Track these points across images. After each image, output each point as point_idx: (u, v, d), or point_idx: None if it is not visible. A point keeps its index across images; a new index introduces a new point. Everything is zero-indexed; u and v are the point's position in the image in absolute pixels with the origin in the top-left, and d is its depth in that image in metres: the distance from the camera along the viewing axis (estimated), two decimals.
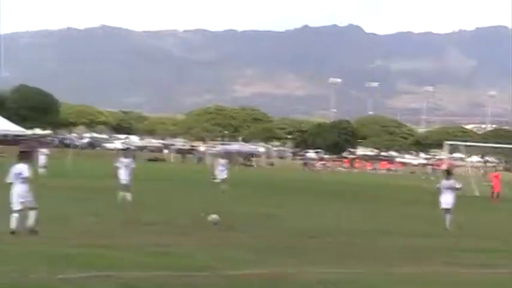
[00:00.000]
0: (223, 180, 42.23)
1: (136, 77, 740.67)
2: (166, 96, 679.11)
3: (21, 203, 18.80)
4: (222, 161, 44.61)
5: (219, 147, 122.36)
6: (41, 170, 45.31)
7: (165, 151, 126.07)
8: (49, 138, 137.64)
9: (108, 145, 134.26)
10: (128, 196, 30.37)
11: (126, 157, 32.59)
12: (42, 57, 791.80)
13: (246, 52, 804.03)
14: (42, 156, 46.77)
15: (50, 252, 16.18)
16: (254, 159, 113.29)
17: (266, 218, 28.00)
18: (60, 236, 19.35)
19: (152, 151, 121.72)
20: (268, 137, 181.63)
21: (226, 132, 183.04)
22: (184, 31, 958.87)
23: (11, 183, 18.99)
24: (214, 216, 24.17)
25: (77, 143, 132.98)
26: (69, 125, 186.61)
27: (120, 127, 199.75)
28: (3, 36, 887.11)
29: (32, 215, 18.92)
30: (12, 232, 18.56)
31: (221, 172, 43.03)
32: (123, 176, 31.29)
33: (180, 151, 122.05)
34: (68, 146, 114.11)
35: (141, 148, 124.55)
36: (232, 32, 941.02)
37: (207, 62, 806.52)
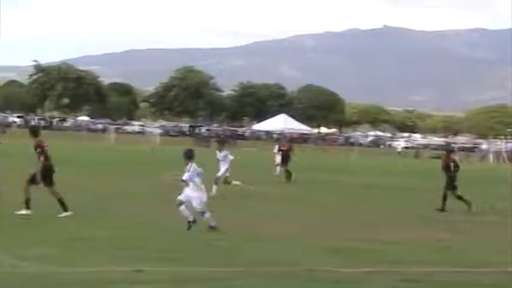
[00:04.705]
0: None
1: (420, 76, 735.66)
2: (449, 94, 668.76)
3: None
4: None
5: (503, 145, 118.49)
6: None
7: None
8: (334, 136, 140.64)
9: (393, 143, 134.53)
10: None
11: None
12: (327, 57, 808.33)
13: None
14: None
15: (334, 245, 16.52)
16: None
17: None
18: (344, 230, 19.74)
19: (435, 149, 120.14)
20: None
21: (509, 130, 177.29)
22: (466, 30, 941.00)
23: None
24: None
25: (361, 141, 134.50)
26: (354, 123, 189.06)
27: (404, 125, 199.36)
28: (289, 39, 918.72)
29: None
30: None
31: None
32: None
33: (462, 149, 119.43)
34: (352, 144, 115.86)
35: (425, 146, 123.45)
36: None
37: (488, 60, 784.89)
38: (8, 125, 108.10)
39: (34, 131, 20.04)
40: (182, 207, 17.82)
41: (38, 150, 19.30)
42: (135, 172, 39.12)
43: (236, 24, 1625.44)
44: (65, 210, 19.16)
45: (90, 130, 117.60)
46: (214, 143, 32.21)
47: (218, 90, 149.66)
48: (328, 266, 13.63)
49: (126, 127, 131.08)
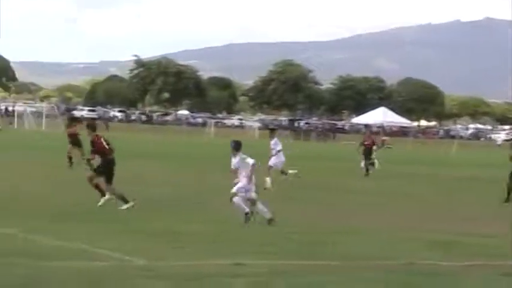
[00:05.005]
0: None
1: None
2: None
3: None
4: None
5: None
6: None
7: None
8: (434, 129, 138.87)
9: (493, 136, 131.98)
10: None
11: None
12: (425, 50, 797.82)
13: None
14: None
15: (433, 238, 16.48)
16: None
17: None
18: (443, 223, 19.63)
19: None
20: None
21: None
22: None
23: None
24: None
25: (462, 134, 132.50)
26: (454, 116, 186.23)
27: (505, 118, 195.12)
28: (388, 32, 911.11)
29: None
30: None
31: None
32: None
33: None
34: (453, 137, 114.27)
35: None
36: None
37: None
38: (109, 119, 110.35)
39: (91, 127, 20.17)
40: (236, 199, 17.59)
41: (92, 147, 19.72)
42: None
43: (335, 17, 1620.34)
44: (103, 195, 19.30)
45: (189, 124, 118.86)
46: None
47: (317, 83, 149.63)
48: (428, 260, 13.63)
49: (225, 121, 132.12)
